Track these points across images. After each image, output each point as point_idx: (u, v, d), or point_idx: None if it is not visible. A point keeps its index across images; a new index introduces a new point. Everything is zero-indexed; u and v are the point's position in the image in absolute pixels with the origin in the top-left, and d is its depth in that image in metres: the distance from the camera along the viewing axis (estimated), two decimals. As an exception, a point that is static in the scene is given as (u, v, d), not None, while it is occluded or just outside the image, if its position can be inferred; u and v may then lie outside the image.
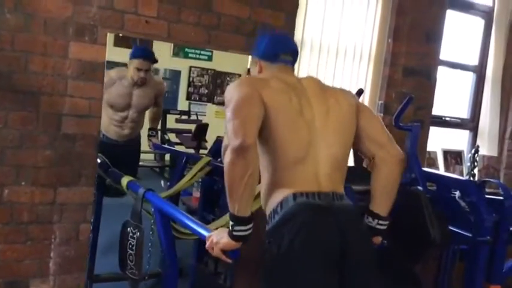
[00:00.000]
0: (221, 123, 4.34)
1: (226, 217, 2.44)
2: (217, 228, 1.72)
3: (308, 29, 3.19)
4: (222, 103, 4.40)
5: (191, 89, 4.33)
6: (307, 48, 3.20)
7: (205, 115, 4.46)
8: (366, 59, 3.44)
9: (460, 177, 3.25)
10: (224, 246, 1.55)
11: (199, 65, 4.16)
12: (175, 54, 4.06)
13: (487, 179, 2.95)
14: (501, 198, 2.80)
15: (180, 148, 4.18)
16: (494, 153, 4.12)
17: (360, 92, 2.89)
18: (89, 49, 2.41)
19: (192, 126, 4.34)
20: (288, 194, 1.60)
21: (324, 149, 1.65)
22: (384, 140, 1.73)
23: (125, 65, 3.46)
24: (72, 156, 2.44)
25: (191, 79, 4.27)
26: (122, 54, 3.36)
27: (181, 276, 2.70)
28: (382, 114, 3.42)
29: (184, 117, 4.52)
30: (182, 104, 4.45)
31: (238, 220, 1.51)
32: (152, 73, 3.61)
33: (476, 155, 3.91)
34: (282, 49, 1.80)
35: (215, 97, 4.44)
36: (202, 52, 4.07)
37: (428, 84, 3.55)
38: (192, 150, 4.12)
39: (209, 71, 4.23)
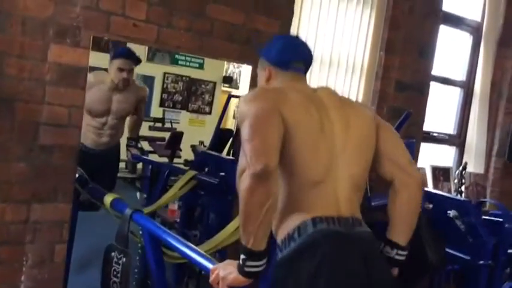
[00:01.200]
0: (196, 131, 4.21)
1: (218, 238, 2.29)
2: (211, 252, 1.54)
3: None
4: (196, 111, 4.32)
5: (165, 96, 4.15)
6: (300, 59, 3.06)
7: (179, 123, 4.27)
8: (358, 72, 3.33)
9: (458, 197, 3.16)
10: (232, 283, 1.37)
11: (174, 72, 3.98)
12: (150, 59, 3.87)
13: (484, 200, 2.87)
14: (499, 219, 2.71)
15: (153, 157, 3.98)
16: (481, 171, 4.07)
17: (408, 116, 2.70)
18: (70, 52, 2.21)
19: (166, 134, 4.14)
20: (306, 219, 1.43)
21: (344, 169, 1.50)
22: (406, 162, 1.60)
23: (101, 69, 3.24)
24: (49, 170, 2.22)
25: (165, 85, 4.09)
26: (97, 58, 3.14)
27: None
28: None
29: (158, 124, 4.32)
30: (156, 111, 4.25)
31: (251, 255, 1.33)
32: (135, 79, 3.40)
33: (463, 172, 3.86)
34: (295, 56, 1.65)
35: (189, 104, 4.27)
36: (193, 59, 3.89)
37: (420, 99, 3.47)
38: (165, 159, 3.92)
39: (184, 78, 4.07)
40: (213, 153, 3.28)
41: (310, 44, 3.06)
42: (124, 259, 1.78)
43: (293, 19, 2.88)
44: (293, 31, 2.93)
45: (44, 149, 2.20)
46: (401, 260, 1.58)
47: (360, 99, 3.35)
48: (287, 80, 1.62)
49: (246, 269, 1.34)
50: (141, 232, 1.89)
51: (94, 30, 2.25)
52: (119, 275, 1.79)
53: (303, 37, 3.06)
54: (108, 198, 2.04)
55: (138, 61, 3.30)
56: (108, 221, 3.06)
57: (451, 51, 4.05)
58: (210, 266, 1.45)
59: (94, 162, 2.91)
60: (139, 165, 4.16)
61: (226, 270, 1.39)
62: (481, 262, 2.52)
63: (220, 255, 2.49)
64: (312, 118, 1.49)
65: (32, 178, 2.19)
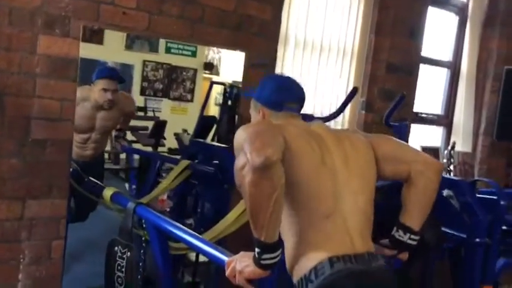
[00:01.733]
0: (178, 119, 4.15)
1: (218, 227, 2.27)
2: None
3: (292, 24, 3.03)
4: (178, 98, 4.25)
5: (145, 84, 4.08)
6: (291, 44, 3.03)
7: (160, 111, 4.20)
8: (349, 56, 3.31)
9: (453, 177, 3.19)
10: (250, 276, 1.35)
11: (153, 59, 3.91)
12: (128, 47, 3.79)
13: (479, 179, 2.90)
14: (493, 197, 2.74)
15: (137, 147, 3.91)
16: (469, 149, 4.12)
17: (355, 91, 2.76)
18: (60, 43, 2.14)
19: (148, 123, 4.07)
20: (322, 259, 1.39)
21: (350, 201, 1.47)
22: (415, 155, 1.60)
23: (92, 61, 3.15)
24: (43, 165, 2.17)
25: (145, 74, 4.01)
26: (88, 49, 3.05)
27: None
28: (364, 112, 3.31)
29: (140, 113, 4.26)
30: (137, 99, 4.16)
31: (266, 247, 1.31)
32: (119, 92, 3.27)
33: (452, 151, 3.90)
34: (288, 97, 1.61)
35: (171, 92, 4.21)
36: (186, 47, 3.81)
37: (410, 81, 3.48)
38: (149, 148, 3.86)
39: (164, 66, 4.00)
40: (206, 141, 3.25)
41: (301, 29, 3.07)
42: (128, 253, 1.75)
43: (284, 4, 2.84)
44: (284, 16, 2.90)
45: (37, 144, 2.14)
46: (413, 245, 1.58)
47: (351, 83, 3.35)
48: (281, 119, 1.59)
49: (263, 262, 1.32)
50: (144, 225, 1.86)
51: (84, 20, 2.18)
52: (123, 269, 1.75)
53: (294, 21, 3.05)
54: (108, 192, 2.00)
55: (122, 80, 3.21)
56: (96, 214, 3.03)
57: (437, 32, 4.06)
58: (225, 258, 1.42)
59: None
60: (123, 156, 4.10)
61: (242, 263, 1.37)
62: (478, 240, 2.54)
63: (220, 245, 2.48)
64: (313, 149, 1.46)
65: (26, 174, 2.13)
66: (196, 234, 1.63)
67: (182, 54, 3.88)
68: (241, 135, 1.36)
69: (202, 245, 1.57)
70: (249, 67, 2.69)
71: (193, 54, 3.90)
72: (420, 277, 2.91)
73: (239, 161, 1.28)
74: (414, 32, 3.44)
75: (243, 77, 2.73)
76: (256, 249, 1.32)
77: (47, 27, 2.09)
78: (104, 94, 3.01)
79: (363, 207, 1.49)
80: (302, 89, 1.68)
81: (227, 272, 1.40)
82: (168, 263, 1.77)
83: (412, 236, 1.57)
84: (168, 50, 3.86)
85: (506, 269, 2.84)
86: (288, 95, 1.62)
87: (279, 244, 1.34)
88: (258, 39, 2.66)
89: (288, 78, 1.71)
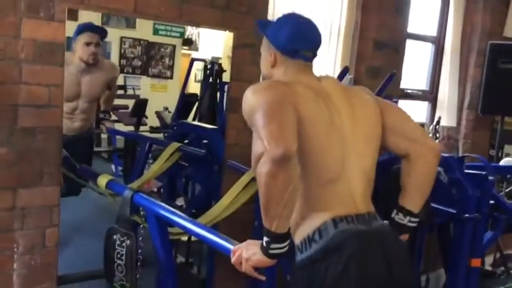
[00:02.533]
0: (158, 97, 4.09)
1: (213, 212, 2.27)
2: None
3: (278, 3, 2.98)
4: (157, 75, 4.16)
5: (123, 61, 3.99)
6: (279, 22, 2.98)
7: (140, 89, 4.13)
8: (336, 34, 3.29)
9: (442, 154, 3.22)
10: (257, 264, 1.35)
11: (131, 35, 3.82)
12: (105, 23, 3.68)
13: (467, 154, 2.94)
14: (481, 172, 2.79)
15: (119, 126, 3.85)
16: (453, 124, 4.17)
17: (345, 71, 2.75)
18: (45, 27, 2.07)
19: (128, 102, 4.00)
20: (326, 220, 1.41)
21: (356, 163, 1.47)
22: (418, 134, 1.59)
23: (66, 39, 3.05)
24: (33, 153, 2.12)
25: (123, 50, 3.92)
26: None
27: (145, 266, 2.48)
28: None
29: (120, 91, 4.18)
30: (115, 78, 4.07)
31: (275, 237, 1.31)
32: (103, 57, 3.23)
33: (437, 126, 3.94)
34: (305, 45, 1.55)
35: (149, 69, 4.13)
36: (173, 29, 3.72)
37: (397, 57, 3.48)
38: (131, 128, 3.81)
39: (142, 42, 3.92)
40: (194, 123, 3.22)
41: (288, 7, 3.02)
42: (128, 241, 1.73)
43: (271, -18, 2.79)
44: (271, -6, 2.85)
45: (26, 132, 2.09)
46: (413, 227, 1.59)
47: (339, 61, 3.33)
48: (293, 70, 1.54)
49: (271, 251, 1.32)
50: (142, 213, 1.84)
51: (68, 2, 2.10)
52: (123, 257, 1.74)
53: (280, 1, 3.00)
54: (103, 180, 1.97)
55: (104, 34, 3.14)
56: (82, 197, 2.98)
57: (421, 7, 4.05)
58: (230, 247, 1.42)
59: (67, 149, 2.78)
60: (104, 136, 4.04)
61: (249, 251, 1.36)
62: (467, 215, 2.60)
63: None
64: (322, 112, 1.45)
65: (16, 163, 2.08)
66: (198, 222, 1.62)
67: (170, 36, 3.80)
68: (251, 101, 1.36)
69: (206, 233, 1.56)
70: (237, 47, 2.65)
71: (181, 35, 3.82)
72: (410, 252, 2.97)
73: (257, 148, 1.27)
74: (400, 7, 3.42)
75: (232, 57, 2.69)
76: (265, 239, 1.32)
77: (31, 10, 2.02)
78: (87, 48, 2.97)
79: (367, 170, 1.50)
80: (320, 35, 1.62)
81: (233, 259, 1.40)
82: (168, 250, 1.76)
83: (412, 219, 1.58)
84: (156, 32, 3.77)
85: (493, 241, 2.92)
86: (304, 43, 1.56)
87: (289, 234, 1.34)
88: (246, 19, 2.61)
89: (308, 22, 1.61)
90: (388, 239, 1.48)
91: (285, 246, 1.33)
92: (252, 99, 1.38)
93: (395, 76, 2.85)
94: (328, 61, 3.26)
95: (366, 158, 1.51)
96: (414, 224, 1.60)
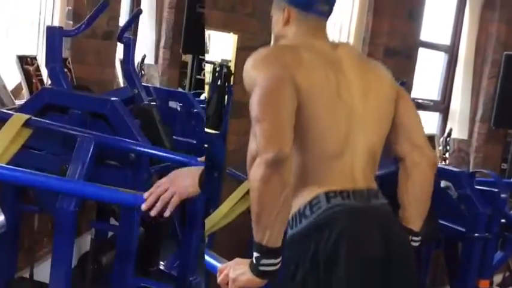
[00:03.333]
0: None
1: (210, 220, 2.14)
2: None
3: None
4: None
5: None
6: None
7: None
8: (345, 37, 3.18)
9: (452, 168, 3.10)
10: (245, 284, 1.22)
11: None
12: None
13: (479, 170, 2.81)
14: (493, 189, 2.66)
15: None
16: (465, 136, 4.04)
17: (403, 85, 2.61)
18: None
19: None
20: (319, 193, 1.30)
21: (362, 138, 1.35)
22: (422, 140, 1.46)
23: None
24: None
25: None
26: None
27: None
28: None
29: None
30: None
31: (267, 252, 1.19)
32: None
33: (448, 138, 3.81)
34: None
35: None
36: None
37: (409, 65, 3.36)
38: None
39: None
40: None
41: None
42: None
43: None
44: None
45: None
46: (415, 247, 1.46)
47: None
48: (306, 29, 1.40)
49: (261, 268, 1.19)
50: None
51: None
52: None
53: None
54: None
55: None
56: None
57: (435, 15, 3.93)
58: (218, 265, 1.31)
59: None
60: None
61: (237, 271, 1.23)
62: (477, 234, 2.47)
63: (210, 239, 2.37)
64: (329, 82, 1.32)
65: None
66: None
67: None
68: (250, 75, 1.26)
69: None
70: (241, 49, 2.54)
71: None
72: (415, 269, 2.85)
73: (252, 147, 1.18)
74: (413, 13, 3.30)
75: (235, 60, 2.59)
76: (255, 254, 1.19)
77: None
78: None
79: (373, 147, 1.39)
80: None
81: (219, 279, 1.27)
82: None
83: (414, 238, 1.44)
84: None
85: (503, 262, 2.79)
86: None
87: (282, 250, 1.22)
88: (251, 21, 2.51)
89: None
90: (387, 217, 1.37)
91: (277, 263, 1.21)
92: (251, 72, 1.27)
93: (405, 85, 2.72)
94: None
95: (374, 134, 1.39)
96: (417, 244, 1.46)
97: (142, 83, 3.06)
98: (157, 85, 3.85)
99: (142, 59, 3.66)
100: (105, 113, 2.03)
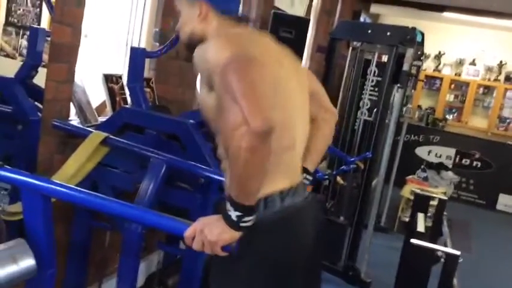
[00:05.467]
0: None
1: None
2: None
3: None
4: None
5: None
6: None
7: None
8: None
9: None
10: (227, 242, 1.22)
11: None
12: None
13: None
14: None
15: None
16: None
17: None
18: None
19: None
20: (273, 191, 1.34)
21: (301, 130, 1.43)
22: (328, 103, 1.63)
23: None
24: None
25: None
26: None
27: None
28: (157, 44, 2.85)
29: None
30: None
31: (249, 210, 1.21)
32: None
33: None
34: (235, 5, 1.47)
35: None
36: None
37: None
38: None
39: None
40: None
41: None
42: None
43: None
44: None
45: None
46: (307, 184, 1.55)
47: (147, 13, 2.88)
48: (229, 23, 1.40)
49: (242, 224, 1.21)
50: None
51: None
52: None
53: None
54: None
55: None
56: None
57: None
58: (183, 226, 1.23)
59: None
60: None
61: (214, 231, 1.21)
62: None
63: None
64: (281, 73, 1.34)
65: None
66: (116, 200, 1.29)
67: None
68: (219, 58, 1.22)
69: (146, 215, 1.31)
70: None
71: None
72: None
73: (234, 117, 1.15)
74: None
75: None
76: (236, 213, 1.20)
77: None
78: None
79: (307, 137, 1.49)
80: None
81: (194, 243, 1.22)
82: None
83: (307, 177, 1.55)
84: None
85: None
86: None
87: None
88: None
89: None
90: (315, 208, 1.52)
91: (253, 218, 1.23)
92: (219, 56, 1.22)
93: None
94: (133, 11, 2.83)
95: (307, 124, 1.49)
96: (308, 182, 1.56)
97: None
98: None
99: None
100: (179, 135, 2.02)
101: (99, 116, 2.56)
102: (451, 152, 6.79)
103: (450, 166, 6.47)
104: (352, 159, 3.45)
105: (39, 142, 2.09)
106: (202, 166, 1.89)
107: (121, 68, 2.86)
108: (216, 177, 1.89)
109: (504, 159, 6.57)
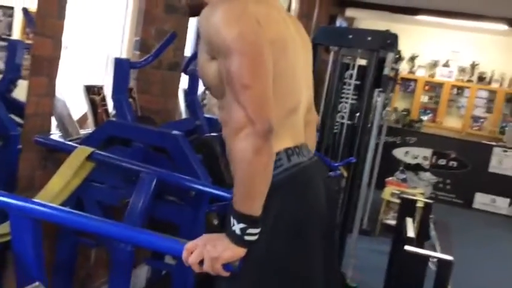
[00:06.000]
0: None
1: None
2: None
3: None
4: None
5: None
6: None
7: None
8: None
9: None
10: (229, 259, 1.15)
11: None
12: None
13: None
14: None
15: None
16: None
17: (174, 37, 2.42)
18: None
19: None
20: (280, 150, 1.28)
21: (305, 94, 1.39)
22: (312, 104, 1.56)
23: None
24: None
25: None
26: None
27: None
28: (138, 52, 2.84)
29: None
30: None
31: (252, 221, 1.16)
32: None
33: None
34: None
35: None
36: None
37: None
38: None
39: None
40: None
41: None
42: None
43: None
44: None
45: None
46: None
47: (128, 21, 2.85)
48: None
49: (247, 238, 1.16)
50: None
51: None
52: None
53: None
54: None
55: None
56: None
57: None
58: (181, 246, 1.17)
59: None
60: None
61: (217, 247, 1.14)
62: None
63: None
64: (292, 38, 1.31)
65: None
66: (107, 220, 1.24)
67: None
68: (224, 34, 1.16)
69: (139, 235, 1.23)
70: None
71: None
72: None
73: (236, 117, 1.13)
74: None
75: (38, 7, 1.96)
76: (240, 225, 1.15)
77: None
78: None
79: (310, 102, 1.45)
80: None
81: (190, 259, 1.15)
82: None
83: None
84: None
85: None
86: None
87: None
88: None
89: None
90: (323, 168, 1.49)
91: (258, 232, 1.18)
92: (222, 29, 1.17)
93: (176, 37, 2.47)
94: (116, 19, 2.81)
95: (311, 89, 1.45)
96: None
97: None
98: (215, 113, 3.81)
99: (197, 87, 3.68)
100: (168, 148, 1.98)
101: (80, 128, 2.49)
102: (428, 152, 6.90)
103: (427, 167, 6.57)
104: (337, 164, 3.46)
105: (19, 158, 2.01)
106: (194, 179, 1.85)
107: (102, 78, 2.80)
108: (206, 189, 1.86)
109: (479, 159, 6.70)
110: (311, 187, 1.34)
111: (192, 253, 1.16)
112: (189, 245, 1.17)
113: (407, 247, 1.86)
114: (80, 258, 2.27)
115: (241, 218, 1.15)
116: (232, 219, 1.16)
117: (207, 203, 1.98)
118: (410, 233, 2.21)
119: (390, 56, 3.43)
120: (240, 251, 1.16)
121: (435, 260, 1.83)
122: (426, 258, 1.82)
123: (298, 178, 1.30)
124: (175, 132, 2.00)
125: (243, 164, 1.12)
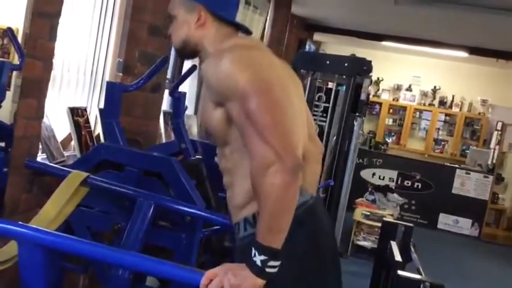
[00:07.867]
0: None
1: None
2: None
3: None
4: None
5: None
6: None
7: None
8: (110, 13, 2.81)
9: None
10: None
11: None
12: None
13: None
14: None
15: None
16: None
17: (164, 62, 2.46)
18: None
19: None
20: (301, 184, 1.29)
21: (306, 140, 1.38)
22: (315, 134, 1.58)
23: None
24: None
25: None
26: None
27: None
28: (121, 74, 2.83)
29: None
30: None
31: (275, 254, 1.18)
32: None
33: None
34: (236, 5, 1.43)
35: None
36: None
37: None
38: None
39: None
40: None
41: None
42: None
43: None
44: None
45: None
46: None
47: (112, 42, 2.85)
48: (228, 32, 1.36)
49: (268, 270, 1.17)
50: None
51: None
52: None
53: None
54: None
55: None
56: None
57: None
58: (199, 276, 1.16)
59: None
60: None
61: (238, 276, 1.16)
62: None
63: None
64: (292, 84, 1.34)
65: None
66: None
67: None
68: (239, 79, 1.19)
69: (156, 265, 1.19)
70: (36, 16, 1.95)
71: None
72: None
73: (263, 154, 1.15)
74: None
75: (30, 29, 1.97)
76: (262, 257, 1.17)
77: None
78: None
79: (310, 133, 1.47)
80: None
81: (212, 286, 1.15)
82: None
83: None
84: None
85: None
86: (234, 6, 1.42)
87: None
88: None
89: None
90: (323, 206, 1.53)
91: (278, 264, 1.19)
92: (237, 78, 1.20)
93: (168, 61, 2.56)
94: (101, 41, 2.79)
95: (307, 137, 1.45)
96: None
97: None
98: (196, 135, 3.80)
99: (183, 110, 3.68)
100: (162, 173, 1.96)
101: (64, 150, 2.43)
102: (394, 174, 7.06)
103: (393, 188, 6.72)
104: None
105: (6, 181, 1.95)
106: (191, 205, 1.84)
107: (85, 100, 2.75)
108: (204, 214, 1.85)
109: (442, 180, 6.91)
110: (323, 220, 1.41)
111: (211, 281, 1.16)
112: (209, 273, 1.17)
113: (400, 272, 1.90)
114: (67, 285, 2.20)
115: (263, 250, 1.17)
116: (253, 250, 1.17)
117: (201, 228, 1.97)
118: (398, 257, 2.26)
119: (367, 82, 3.54)
120: (260, 283, 1.17)
121: (427, 284, 1.88)
122: (419, 282, 1.86)
123: (312, 212, 1.35)
124: (169, 157, 1.99)
125: (271, 199, 1.15)
